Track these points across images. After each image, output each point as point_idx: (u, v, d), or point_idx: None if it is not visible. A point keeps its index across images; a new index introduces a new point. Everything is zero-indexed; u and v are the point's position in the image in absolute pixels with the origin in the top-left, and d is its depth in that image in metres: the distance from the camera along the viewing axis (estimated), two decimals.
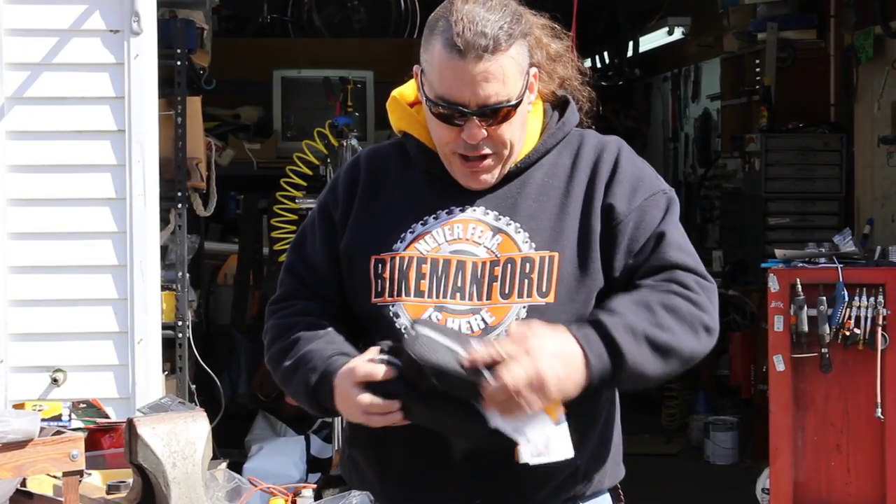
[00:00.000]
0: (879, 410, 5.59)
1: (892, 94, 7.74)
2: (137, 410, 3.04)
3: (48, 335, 4.77)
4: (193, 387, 5.52)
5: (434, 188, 2.54)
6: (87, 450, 2.46)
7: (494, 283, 2.45)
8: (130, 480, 2.47)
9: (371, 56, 8.19)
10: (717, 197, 10.02)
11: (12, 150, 4.74)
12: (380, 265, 2.49)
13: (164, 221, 5.21)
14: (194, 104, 5.64)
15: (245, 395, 7.63)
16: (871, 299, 5.58)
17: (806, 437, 5.70)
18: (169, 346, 5.19)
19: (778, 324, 5.66)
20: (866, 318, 5.58)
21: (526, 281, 2.44)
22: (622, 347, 2.34)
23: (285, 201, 6.45)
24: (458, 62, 2.38)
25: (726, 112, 9.81)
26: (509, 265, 2.46)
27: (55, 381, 4.74)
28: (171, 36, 5.39)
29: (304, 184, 6.44)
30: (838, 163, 8.29)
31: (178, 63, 5.39)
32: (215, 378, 5.77)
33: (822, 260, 5.72)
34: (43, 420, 2.56)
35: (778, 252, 5.83)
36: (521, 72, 2.44)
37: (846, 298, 5.58)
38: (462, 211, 2.51)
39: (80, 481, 2.43)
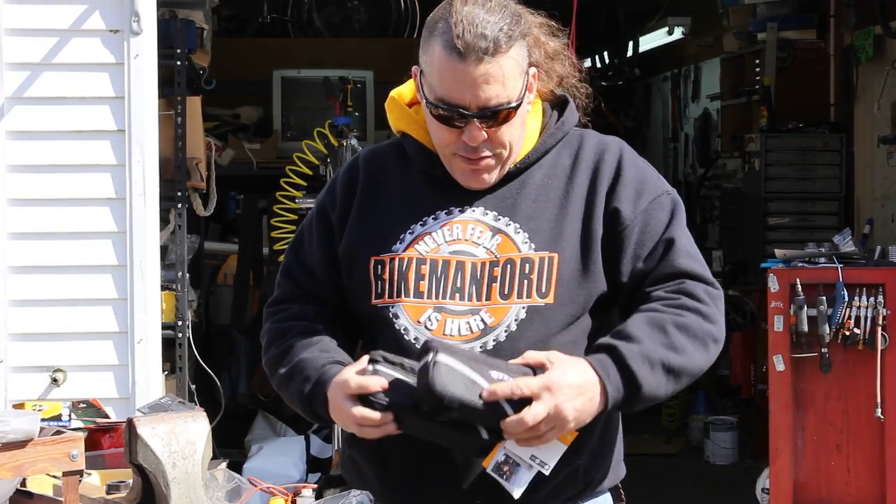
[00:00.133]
0: (879, 410, 5.59)
1: (892, 94, 7.73)
2: (137, 410, 3.03)
3: (48, 335, 4.77)
4: (193, 387, 5.51)
5: (433, 189, 2.54)
6: (87, 450, 2.46)
7: (494, 284, 2.45)
8: (130, 480, 2.48)
9: (371, 56, 8.18)
10: (717, 197, 10.02)
11: (12, 150, 4.74)
12: (379, 266, 2.49)
13: (164, 221, 5.21)
14: (194, 104, 5.63)
15: (245, 395, 7.62)
16: (871, 299, 5.58)
17: (806, 437, 5.70)
18: (169, 346, 5.19)
19: (778, 324, 5.65)
20: (866, 318, 5.58)
21: (525, 281, 2.44)
22: (639, 378, 2.35)
23: (285, 201, 6.44)
24: (458, 64, 2.38)
25: (726, 112, 9.81)
26: (509, 266, 2.45)
27: (55, 381, 4.74)
28: (171, 36, 5.39)
29: (304, 184, 6.44)
30: (838, 163, 8.30)
31: (178, 63, 5.39)
32: (215, 378, 5.77)
33: (822, 260, 5.71)
34: (43, 420, 2.57)
35: (778, 252, 5.83)
36: (520, 73, 2.44)
37: (846, 298, 5.57)
38: (461, 211, 2.51)
39: (79, 481, 2.44)
